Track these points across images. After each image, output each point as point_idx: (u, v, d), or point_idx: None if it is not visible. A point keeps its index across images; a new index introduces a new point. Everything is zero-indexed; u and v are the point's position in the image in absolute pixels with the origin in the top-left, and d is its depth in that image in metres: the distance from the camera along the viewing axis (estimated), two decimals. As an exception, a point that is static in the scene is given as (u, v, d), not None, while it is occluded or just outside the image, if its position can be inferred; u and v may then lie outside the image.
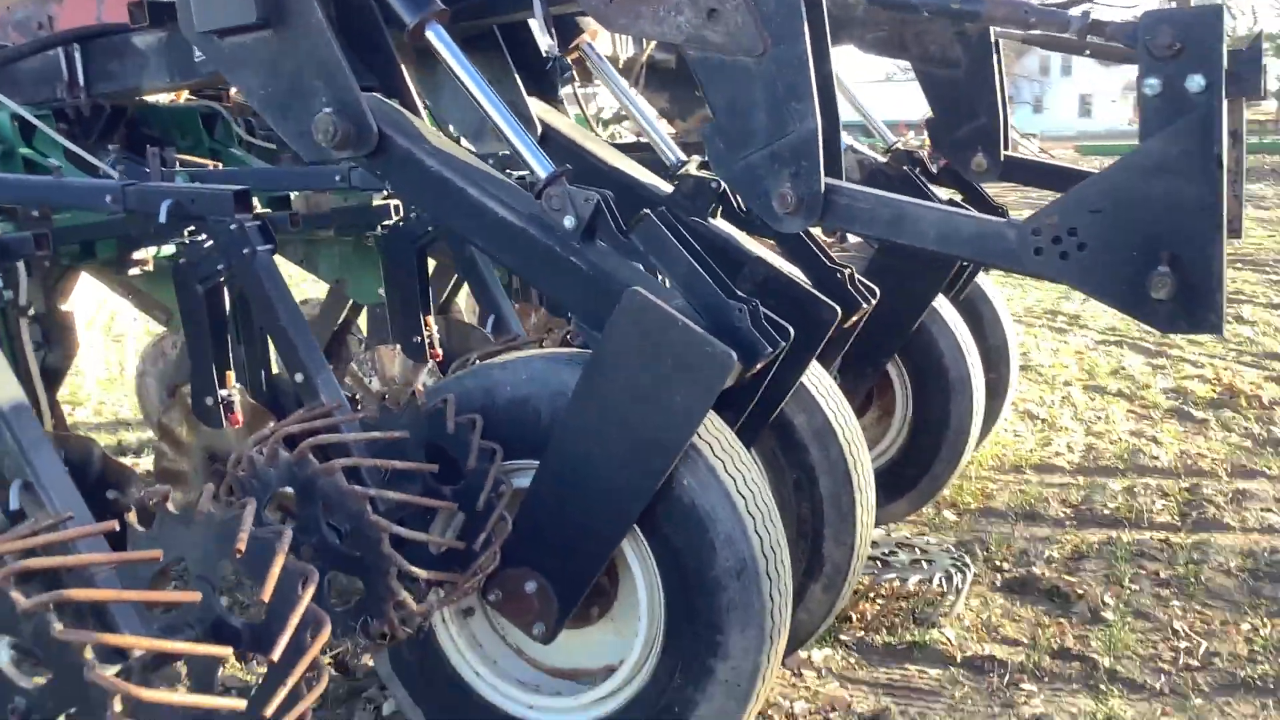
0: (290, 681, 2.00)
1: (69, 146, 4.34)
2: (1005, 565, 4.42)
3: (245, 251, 2.86)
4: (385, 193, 4.12)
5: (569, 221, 2.74)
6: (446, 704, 3.03)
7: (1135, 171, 2.51)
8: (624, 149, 4.25)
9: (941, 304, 4.77)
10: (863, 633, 3.88)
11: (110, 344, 9.66)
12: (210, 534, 2.12)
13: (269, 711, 1.96)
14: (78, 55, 4.66)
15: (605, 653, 2.95)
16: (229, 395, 3.06)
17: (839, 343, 3.78)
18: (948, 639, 3.81)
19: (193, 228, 3.14)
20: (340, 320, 5.28)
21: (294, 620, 2.01)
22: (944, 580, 4.08)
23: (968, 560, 4.29)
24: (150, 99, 5.15)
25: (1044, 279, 2.72)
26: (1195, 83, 2.42)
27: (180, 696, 1.84)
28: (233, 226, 2.86)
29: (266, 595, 1.99)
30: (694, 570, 2.67)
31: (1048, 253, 2.60)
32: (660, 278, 2.88)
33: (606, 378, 2.62)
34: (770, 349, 2.70)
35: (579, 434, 2.66)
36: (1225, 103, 2.46)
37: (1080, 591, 4.12)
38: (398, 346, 4.11)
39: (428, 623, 2.89)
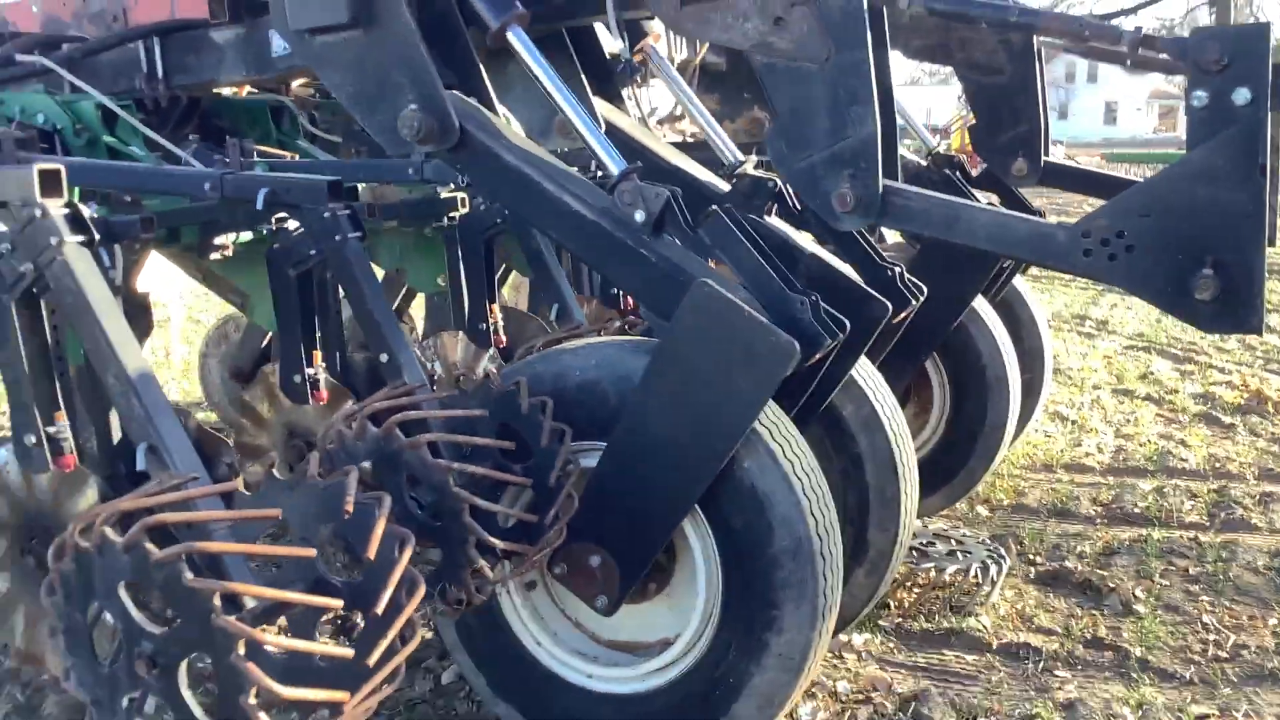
0: (390, 634, 2.14)
1: (150, 135, 4.50)
2: (1038, 559, 4.53)
3: (337, 238, 3.01)
4: (451, 186, 4.26)
5: (639, 216, 2.86)
6: (508, 671, 3.17)
7: (1182, 179, 2.62)
8: (680, 148, 4.38)
9: (981, 306, 4.87)
10: (901, 619, 4.00)
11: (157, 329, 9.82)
12: (315, 498, 2.26)
13: (371, 661, 2.10)
14: (157, 48, 4.81)
15: (661, 627, 3.07)
16: (315, 373, 3.21)
17: (887, 337, 3.90)
18: (984, 626, 3.92)
19: (281, 215, 3.30)
20: (394, 308, 5.43)
21: (394, 578, 2.15)
22: (980, 570, 4.19)
23: (1003, 552, 4.40)
24: (224, 92, 5.31)
25: (1092, 279, 2.83)
26: (1241, 95, 2.54)
27: (297, 642, 1.98)
28: (325, 214, 3.00)
29: (372, 554, 2.13)
30: (752, 549, 2.79)
31: (1096, 254, 2.72)
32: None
33: (674, 364, 2.74)
34: (829, 340, 2.83)
35: (646, 417, 2.78)
36: (1270, 115, 2.58)
37: (1112, 585, 4.22)
38: (460, 333, 4.25)
39: (499, 590, 3.03)
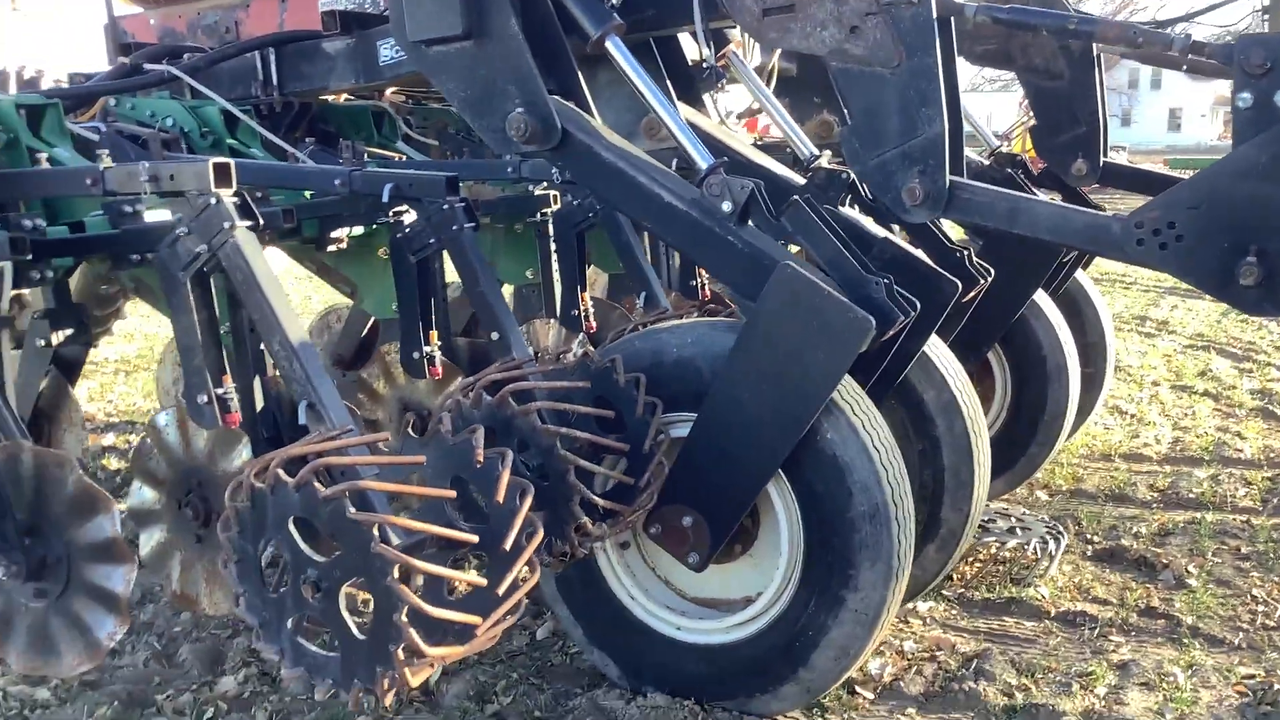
0: (515, 568, 2.42)
1: (268, 137, 4.84)
2: (1095, 539, 4.71)
3: (454, 228, 3.30)
4: (544, 185, 4.54)
5: (726, 206, 3.11)
6: (603, 622, 3.45)
7: (1228, 174, 2.84)
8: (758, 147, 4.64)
9: (1043, 300, 5.05)
10: (963, 589, 4.21)
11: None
12: (447, 452, 2.55)
13: (500, 590, 2.39)
14: (272, 58, 5.14)
15: (744, 586, 3.33)
16: (431, 351, 3.50)
17: (957, 316, 4.09)
18: (1042, 596, 4.13)
19: (399, 209, 3.60)
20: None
21: (518, 520, 2.43)
22: (1039, 545, 4.39)
23: (1061, 529, 4.60)
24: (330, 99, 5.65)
25: (1145, 266, 3.04)
26: (1284, 97, 2.75)
27: (441, 569, 2.27)
28: (445, 207, 3.30)
29: (500, 498, 2.41)
30: (832, 512, 3.04)
31: (1149, 243, 2.94)
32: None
33: (760, 340, 2.99)
34: (902, 317, 3.07)
35: (734, 388, 3.04)
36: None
37: (1166, 562, 4.40)
38: (551, 321, 4.53)
39: (597, 548, 3.30)
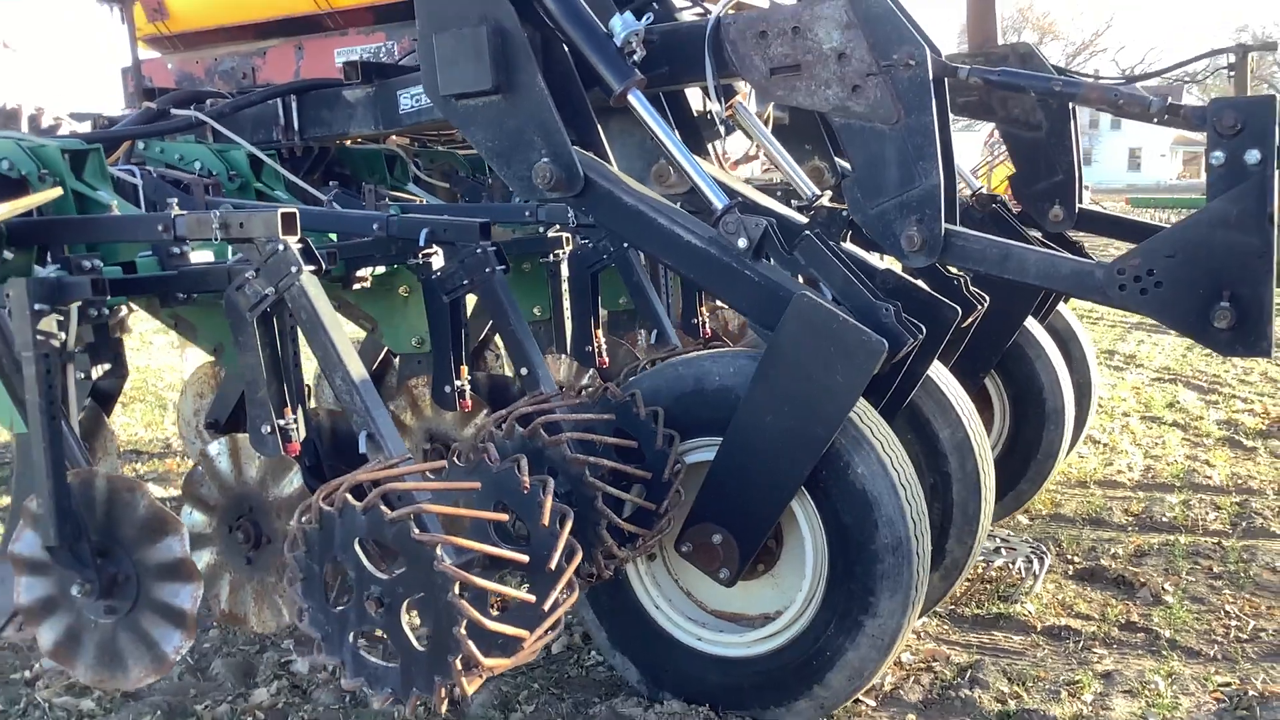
0: (559, 586, 2.59)
1: (293, 180, 5.01)
2: (1076, 559, 4.91)
3: (487, 270, 3.48)
4: (556, 227, 4.72)
5: (742, 242, 3.28)
6: (627, 627, 3.59)
7: (1203, 225, 3.05)
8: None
9: (1045, 342, 5.23)
10: (954, 606, 4.39)
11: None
12: (492, 478, 2.73)
13: (546, 606, 2.56)
14: (294, 104, 5.32)
15: (763, 603, 3.49)
16: (462, 385, 3.67)
17: (957, 340, 4.19)
18: (1029, 612, 4.32)
19: (428, 250, 3.77)
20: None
21: (562, 541, 2.60)
22: (1024, 565, 4.59)
23: (1045, 549, 4.80)
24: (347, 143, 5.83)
25: (1126, 310, 3.25)
26: (1253, 156, 2.99)
27: (499, 586, 2.44)
28: (478, 251, 3.48)
29: (545, 521, 2.58)
30: (858, 543, 3.19)
31: (1130, 289, 3.15)
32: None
33: (780, 365, 3.15)
34: (911, 339, 3.25)
35: (758, 411, 3.19)
36: (1277, 172, 3.01)
37: (1143, 580, 4.59)
38: (562, 355, 4.71)
39: (624, 567, 3.46)
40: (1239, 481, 6.09)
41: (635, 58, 3.55)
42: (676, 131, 4.43)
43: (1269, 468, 6.36)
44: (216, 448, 3.15)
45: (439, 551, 2.35)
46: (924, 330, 3.38)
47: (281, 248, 2.67)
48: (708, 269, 3.36)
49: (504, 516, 2.59)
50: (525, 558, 2.55)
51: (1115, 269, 3.17)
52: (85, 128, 5.68)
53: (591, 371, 4.62)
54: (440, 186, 6.44)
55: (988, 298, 4.22)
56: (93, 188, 4.23)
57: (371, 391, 2.69)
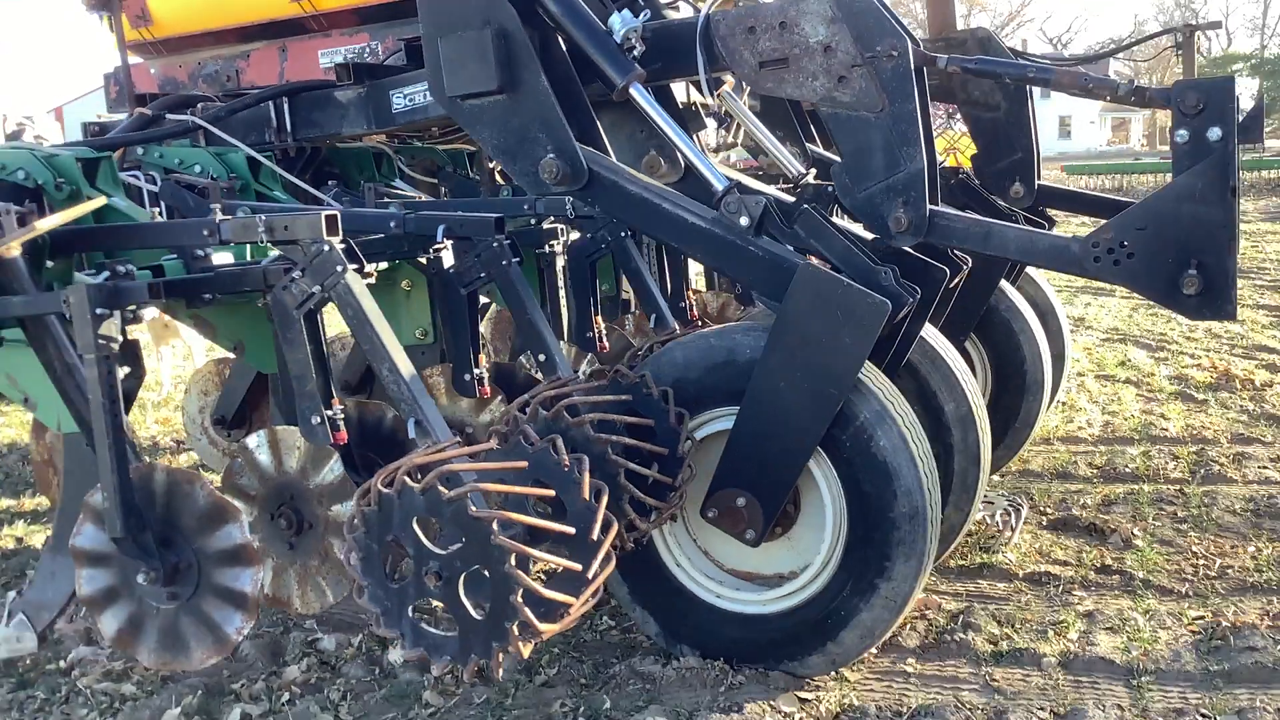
0: (600, 554, 2.73)
1: (292, 181, 5.08)
2: (1048, 510, 5.15)
3: (504, 263, 3.61)
4: (552, 219, 4.83)
5: (744, 220, 3.44)
6: (648, 583, 3.73)
7: (1170, 200, 3.24)
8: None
9: (1029, 316, 5.41)
10: (939, 559, 4.60)
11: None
12: (532, 458, 2.86)
13: (590, 574, 2.70)
14: (286, 106, 5.37)
15: (779, 564, 3.64)
16: (480, 373, 3.79)
17: (946, 299, 4.35)
18: (1010, 561, 4.54)
19: (438, 246, 3.88)
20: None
21: (600, 514, 2.75)
22: (1003, 517, 4.81)
23: (1020, 502, 5.04)
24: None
25: (1100, 280, 3.43)
26: (1214, 133, 3.17)
27: (555, 558, 2.58)
28: (495, 245, 3.60)
29: (586, 495, 2.73)
30: (877, 510, 3.34)
31: (1104, 260, 3.33)
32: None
33: (791, 332, 3.29)
34: (910, 299, 3.41)
35: (772, 378, 3.33)
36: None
37: (1113, 527, 4.84)
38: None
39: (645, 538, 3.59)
40: (1194, 432, 6.36)
41: (635, 53, 3.66)
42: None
43: (1221, 418, 6.64)
44: (256, 440, 3.25)
45: (494, 526, 2.48)
46: (919, 291, 3.52)
47: (327, 248, 2.79)
48: (713, 248, 3.50)
49: (550, 492, 2.73)
50: (571, 529, 2.69)
51: (1090, 242, 3.35)
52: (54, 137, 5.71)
53: (590, 356, 4.76)
54: (424, 181, 6.53)
55: (969, 259, 4.38)
56: (106, 194, 4.32)
57: (417, 381, 2.82)
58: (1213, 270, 3.19)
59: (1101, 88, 3.45)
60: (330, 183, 5.24)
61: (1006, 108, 5.53)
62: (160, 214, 4.56)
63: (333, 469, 3.13)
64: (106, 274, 2.90)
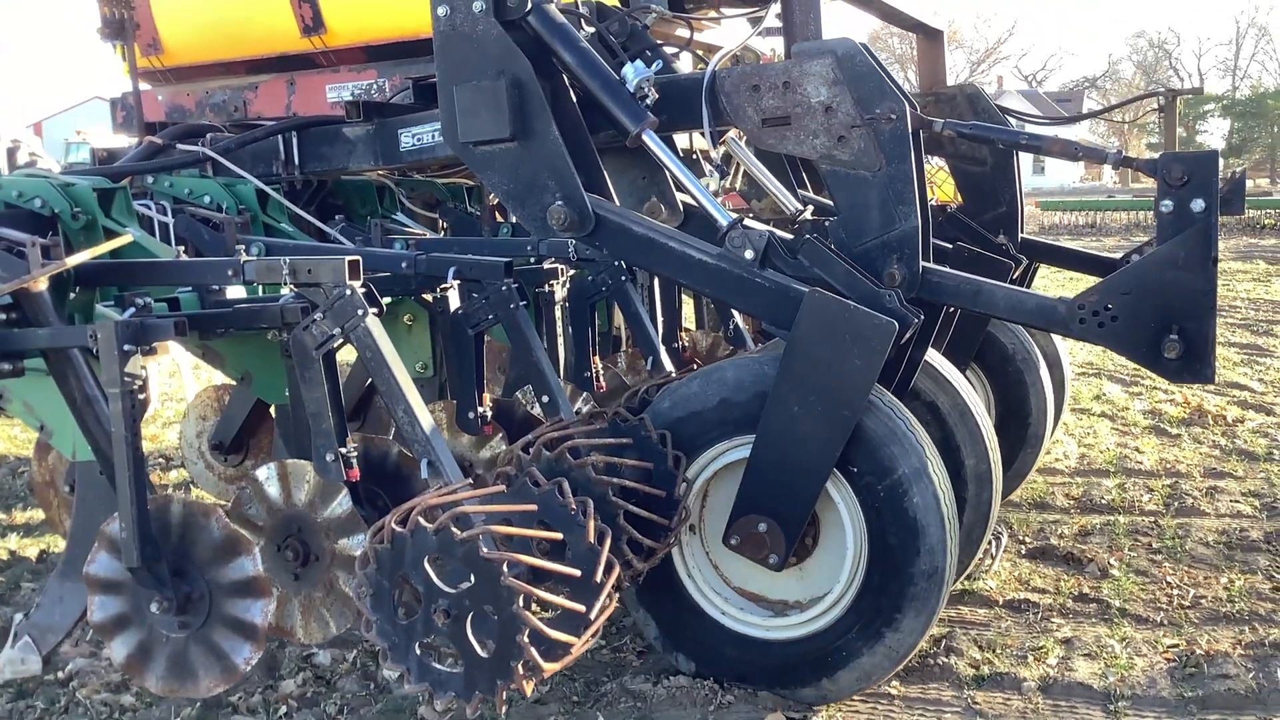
0: (602, 596, 2.80)
1: (300, 214, 5.15)
2: (1027, 540, 5.24)
3: (511, 306, 3.68)
4: (552, 259, 4.88)
5: (749, 253, 3.53)
6: (656, 587, 3.71)
7: (1154, 266, 3.35)
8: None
9: (1043, 372, 5.45)
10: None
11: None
12: (540, 499, 2.93)
13: (592, 614, 2.77)
14: (295, 140, 5.43)
15: (785, 591, 3.66)
16: (485, 411, 3.85)
17: (947, 324, 4.45)
18: (990, 588, 4.62)
19: (446, 285, 3.95)
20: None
21: (603, 558, 2.82)
22: (984, 546, 4.87)
23: (1000, 530, 5.14)
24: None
25: (1085, 341, 3.53)
26: (1198, 205, 3.29)
27: (554, 597, 2.65)
28: (503, 288, 3.67)
29: (591, 539, 2.80)
30: (898, 564, 3.38)
31: (1089, 323, 3.42)
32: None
33: (802, 358, 3.34)
34: (915, 319, 3.47)
35: (786, 404, 3.37)
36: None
37: (1090, 557, 4.94)
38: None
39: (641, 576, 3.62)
40: (1168, 466, 6.48)
41: (648, 101, 3.73)
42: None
43: (1194, 453, 6.77)
44: (266, 473, 3.30)
45: (504, 568, 2.55)
46: (922, 314, 3.55)
47: (349, 293, 2.85)
48: (720, 281, 3.58)
49: (558, 536, 2.80)
50: (577, 571, 2.76)
51: (1076, 304, 3.44)
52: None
53: (584, 395, 4.81)
54: (421, 214, 6.61)
55: None
56: (120, 224, 4.36)
57: (430, 422, 2.88)
58: (1193, 335, 3.29)
59: (1091, 156, 3.56)
60: (337, 217, 5.31)
61: (993, 162, 5.65)
62: (171, 242, 4.62)
63: (341, 503, 3.18)
64: (133, 309, 2.95)
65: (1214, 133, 75.54)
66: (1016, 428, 5.47)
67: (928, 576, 3.35)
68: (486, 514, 2.73)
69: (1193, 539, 5.20)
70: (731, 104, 3.78)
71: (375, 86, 6.14)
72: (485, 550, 2.56)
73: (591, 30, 4.31)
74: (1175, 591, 4.59)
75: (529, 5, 3.64)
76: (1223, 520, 5.50)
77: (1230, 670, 3.82)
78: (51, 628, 3.42)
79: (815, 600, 3.57)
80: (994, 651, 4.03)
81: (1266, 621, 4.28)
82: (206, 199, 5.21)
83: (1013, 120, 6.27)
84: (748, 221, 3.67)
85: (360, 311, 2.85)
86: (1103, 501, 5.84)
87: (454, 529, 2.58)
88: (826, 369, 3.32)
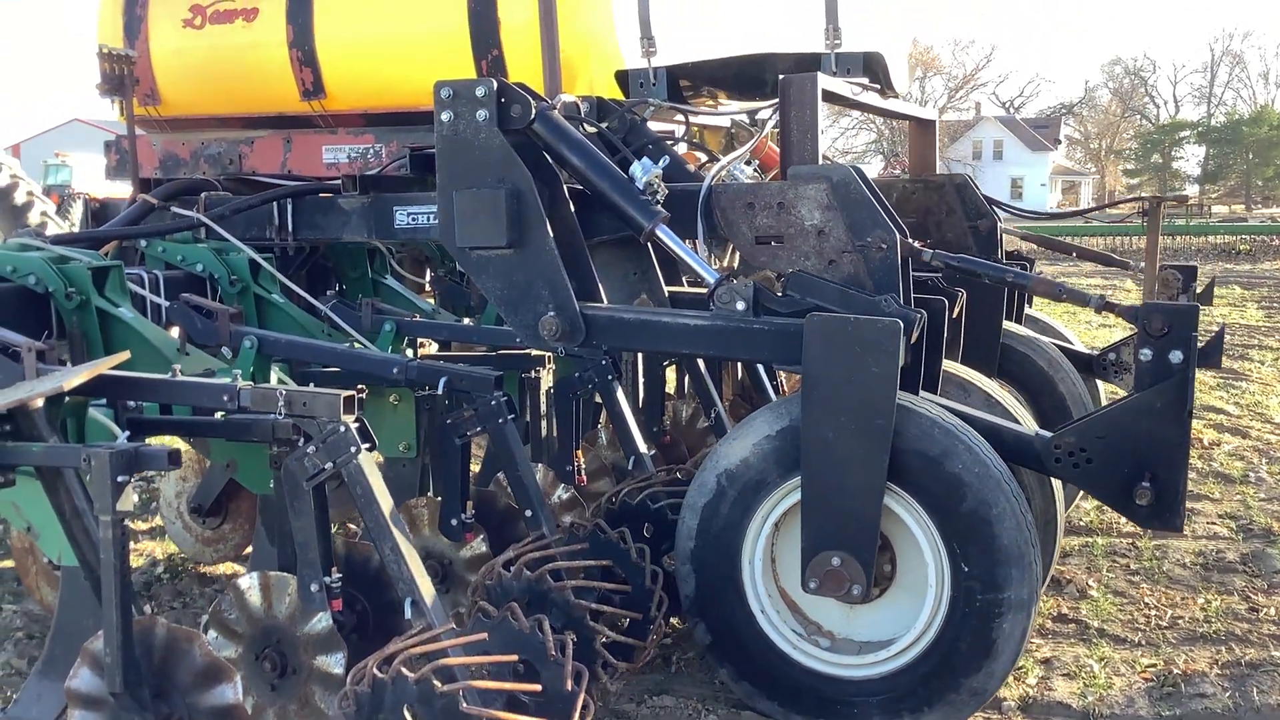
0: (578, 705, 2.84)
1: (293, 289, 5.17)
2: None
3: (500, 421, 3.72)
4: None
5: (741, 305, 3.58)
6: (726, 617, 3.67)
7: (1130, 413, 3.42)
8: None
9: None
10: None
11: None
12: (516, 636, 2.97)
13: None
14: (289, 207, 5.44)
15: (854, 630, 3.62)
16: (468, 518, 3.89)
17: (954, 327, 4.50)
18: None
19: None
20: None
21: (579, 702, 2.86)
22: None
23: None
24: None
25: (1060, 479, 3.61)
26: (1176, 356, 3.36)
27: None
28: (493, 402, 3.72)
29: (569, 686, 2.84)
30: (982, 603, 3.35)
31: (1064, 461, 3.50)
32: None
33: (821, 382, 3.34)
34: (919, 316, 3.50)
35: (819, 431, 3.36)
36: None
37: (1069, 578, 4.99)
38: (540, 466, 4.88)
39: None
40: (1144, 490, 6.56)
41: (658, 196, 3.75)
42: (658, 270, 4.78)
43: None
44: (248, 582, 3.33)
45: (484, 721, 2.58)
46: (925, 314, 3.58)
47: (343, 429, 2.89)
48: (720, 339, 3.66)
49: (536, 688, 2.83)
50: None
51: (1052, 443, 3.52)
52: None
53: (562, 485, 4.79)
54: (412, 280, 6.64)
55: (964, 289, 4.48)
56: (114, 304, 4.39)
57: (416, 561, 2.92)
58: (1164, 485, 3.36)
59: (1073, 297, 3.64)
60: (329, 292, 5.33)
61: (977, 250, 5.73)
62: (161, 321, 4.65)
63: (322, 620, 3.21)
64: (127, 434, 2.97)
65: (1189, 159, 76.49)
66: None
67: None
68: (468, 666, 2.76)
69: (1170, 560, 5.27)
70: (726, 219, 3.84)
71: (372, 151, 6.16)
72: (465, 705, 2.59)
73: (593, 130, 4.39)
74: (1153, 612, 4.66)
75: (533, 114, 3.69)
76: (1199, 542, 5.56)
77: (1207, 690, 3.91)
78: None
79: (894, 644, 3.50)
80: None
81: (1243, 641, 4.36)
82: (199, 267, 5.25)
83: (1000, 211, 6.39)
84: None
85: (353, 449, 2.89)
86: (1081, 524, 5.87)
87: (435, 681, 2.61)
88: (847, 385, 3.30)
